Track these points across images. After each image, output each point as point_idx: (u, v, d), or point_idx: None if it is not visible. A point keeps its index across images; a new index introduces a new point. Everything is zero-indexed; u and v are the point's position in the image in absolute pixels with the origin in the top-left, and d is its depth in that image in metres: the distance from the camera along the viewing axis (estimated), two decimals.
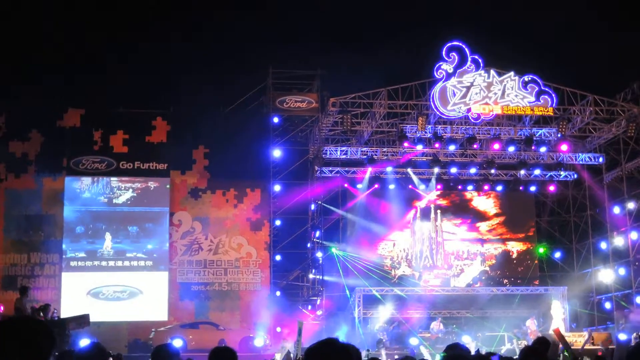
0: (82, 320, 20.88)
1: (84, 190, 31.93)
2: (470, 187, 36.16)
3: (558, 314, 32.28)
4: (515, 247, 36.84)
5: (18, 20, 36.65)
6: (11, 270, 31.20)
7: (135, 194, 32.25)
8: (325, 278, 33.75)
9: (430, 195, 35.99)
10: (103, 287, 31.67)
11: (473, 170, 35.14)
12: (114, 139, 32.66)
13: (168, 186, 32.44)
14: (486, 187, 36.15)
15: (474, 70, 31.26)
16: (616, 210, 35.34)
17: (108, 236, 31.89)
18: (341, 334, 30.90)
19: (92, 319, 22.22)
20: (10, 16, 35.48)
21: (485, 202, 36.66)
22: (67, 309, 28.52)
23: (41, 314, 20.37)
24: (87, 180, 31.96)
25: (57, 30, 37.38)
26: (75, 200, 31.78)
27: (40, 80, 34.32)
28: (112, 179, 32.12)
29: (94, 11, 39.85)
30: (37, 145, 32.10)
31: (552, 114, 32.26)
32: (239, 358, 6.79)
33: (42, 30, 37.18)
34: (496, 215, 36.69)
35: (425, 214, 36.23)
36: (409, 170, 35.05)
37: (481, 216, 36.71)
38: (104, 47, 37.97)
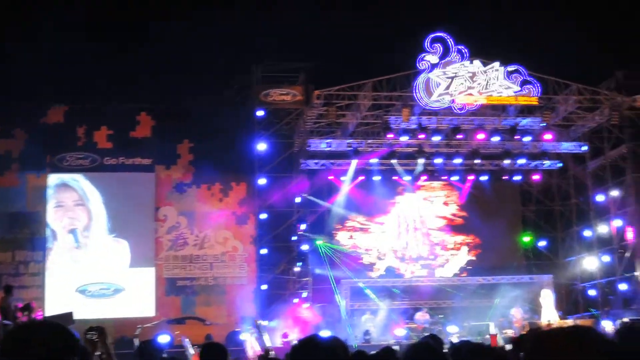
0: (65, 319, 20.78)
1: None
2: (455, 178, 36.19)
3: (548, 302, 31.74)
4: (500, 236, 36.84)
5: None
6: None
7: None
8: (312, 271, 33.77)
9: (415, 186, 36.05)
10: (89, 285, 31.57)
11: (458, 161, 35.12)
12: (98, 134, 32.50)
13: None
14: (471, 177, 36.15)
15: (458, 60, 31.26)
16: (600, 198, 35.49)
17: (93, 236, 31.82)
18: (328, 327, 30.97)
19: (77, 316, 22.17)
20: None
21: (471, 192, 36.66)
22: (52, 308, 28.46)
23: (25, 312, 20.32)
24: None
25: (39, 26, 37.09)
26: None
27: (23, 77, 34.03)
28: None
29: (74, 6, 39.55)
30: (20, 143, 31.91)
31: (536, 103, 32.29)
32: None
33: (24, 27, 36.88)
34: (482, 204, 36.66)
35: (411, 204, 36.29)
36: (394, 161, 35.04)
37: (467, 206, 36.77)
38: (87, 42, 37.62)
